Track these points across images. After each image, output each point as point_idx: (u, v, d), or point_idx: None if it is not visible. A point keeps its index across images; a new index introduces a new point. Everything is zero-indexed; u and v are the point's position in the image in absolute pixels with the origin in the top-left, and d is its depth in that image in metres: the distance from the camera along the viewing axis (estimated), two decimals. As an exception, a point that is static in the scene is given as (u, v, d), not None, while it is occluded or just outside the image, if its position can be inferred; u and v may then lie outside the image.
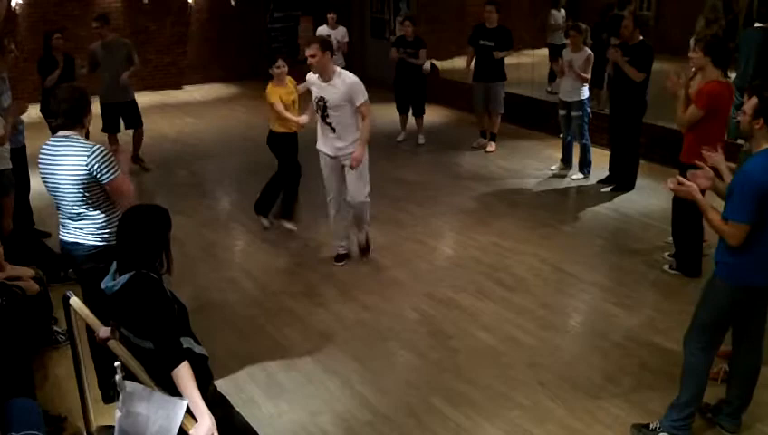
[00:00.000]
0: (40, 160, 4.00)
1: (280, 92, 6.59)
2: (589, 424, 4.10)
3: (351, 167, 5.82)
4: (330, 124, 5.78)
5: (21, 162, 6.19)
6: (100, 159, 3.85)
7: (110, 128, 8.68)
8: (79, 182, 3.87)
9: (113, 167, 3.90)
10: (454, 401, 4.33)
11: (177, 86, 14.46)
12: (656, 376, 4.52)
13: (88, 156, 3.84)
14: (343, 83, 5.66)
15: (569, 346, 4.96)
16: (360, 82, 5.71)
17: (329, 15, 10.67)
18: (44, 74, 8.11)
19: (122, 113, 8.78)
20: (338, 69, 5.72)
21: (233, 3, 14.41)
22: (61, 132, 3.96)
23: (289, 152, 6.81)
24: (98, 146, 3.92)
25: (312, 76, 5.84)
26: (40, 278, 4.81)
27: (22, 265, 4.80)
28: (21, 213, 6.10)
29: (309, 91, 6.13)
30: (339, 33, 10.62)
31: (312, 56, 5.53)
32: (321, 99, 5.73)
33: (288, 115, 6.53)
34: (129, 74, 8.56)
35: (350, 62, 11.91)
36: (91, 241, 4.01)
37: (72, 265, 4.26)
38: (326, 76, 5.66)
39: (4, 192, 5.56)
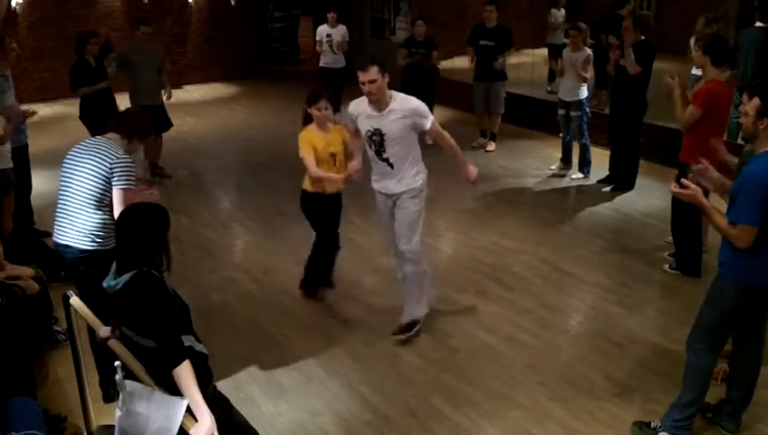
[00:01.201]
0: (70, 152, 4.10)
1: (315, 141, 5.10)
2: (589, 424, 4.10)
3: (472, 183, 5.09)
4: (387, 160, 4.71)
5: (23, 161, 6.19)
6: (124, 166, 3.97)
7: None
8: (97, 180, 3.96)
9: (131, 180, 4.00)
10: (454, 401, 4.33)
11: (177, 86, 14.36)
12: (656, 376, 4.52)
13: (117, 158, 3.97)
14: (403, 108, 4.61)
15: (569, 346, 4.96)
16: (421, 102, 4.72)
17: (329, 15, 10.64)
18: (78, 80, 7.75)
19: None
20: (391, 92, 4.66)
21: (233, 3, 14.42)
22: (106, 134, 4.11)
23: (323, 219, 5.41)
24: (128, 157, 4.04)
25: (357, 106, 4.75)
26: (40, 278, 4.81)
27: (22, 265, 4.81)
28: (22, 212, 6.10)
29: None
30: (339, 33, 10.61)
31: (372, 81, 4.46)
32: (377, 132, 4.63)
33: (321, 173, 5.04)
34: (168, 87, 8.65)
35: (350, 62, 11.91)
36: (80, 244, 4.04)
37: (65, 267, 4.30)
38: (383, 103, 4.60)
39: (5, 191, 5.56)
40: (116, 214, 3.94)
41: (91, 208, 4.00)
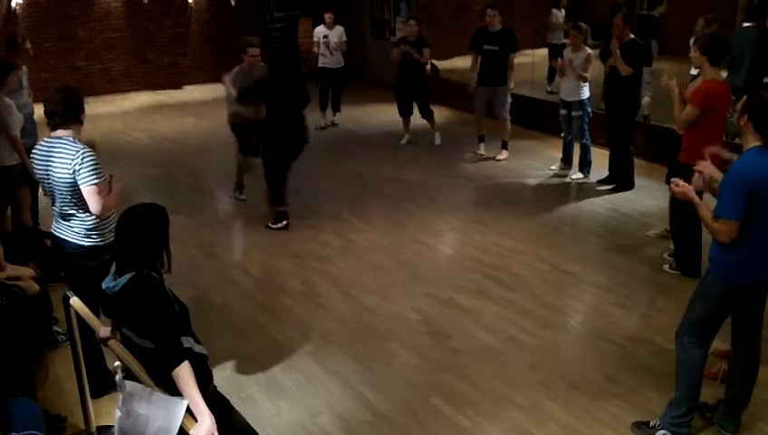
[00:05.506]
0: (34, 160, 4.06)
1: None
2: (589, 424, 4.10)
3: None
4: None
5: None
6: (83, 161, 3.86)
7: (246, 148, 7.58)
8: (67, 184, 3.92)
9: (95, 173, 3.89)
10: (454, 401, 4.33)
11: (177, 86, 14.45)
12: (656, 376, 4.52)
13: (72, 159, 3.87)
14: None
15: (569, 346, 4.96)
16: None
17: (326, 15, 10.57)
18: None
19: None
20: None
21: (233, 3, 14.41)
22: (55, 132, 4.00)
23: None
24: (86, 150, 3.92)
25: None
26: (40, 278, 4.81)
27: (21, 265, 4.81)
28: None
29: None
30: (336, 34, 10.56)
31: None
32: None
33: None
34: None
35: (349, 63, 11.92)
36: (78, 241, 4.05)
37: (61, 260, 4.30)
38: None
39: (17, 186, 5.58)
40: (92, 210, 3.92)
41: (80, 212, 4.00)
